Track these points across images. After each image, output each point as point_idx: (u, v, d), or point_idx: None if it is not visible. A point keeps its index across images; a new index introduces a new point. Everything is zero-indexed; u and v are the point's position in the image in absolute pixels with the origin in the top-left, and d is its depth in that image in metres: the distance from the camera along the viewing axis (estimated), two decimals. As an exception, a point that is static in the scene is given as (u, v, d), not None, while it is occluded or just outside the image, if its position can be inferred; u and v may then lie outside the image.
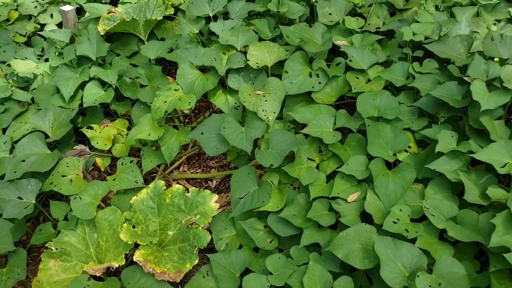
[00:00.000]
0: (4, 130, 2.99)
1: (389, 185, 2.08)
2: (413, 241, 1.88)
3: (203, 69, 2.76)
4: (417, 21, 2.66)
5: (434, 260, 1.79)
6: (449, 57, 2.43)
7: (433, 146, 2.14)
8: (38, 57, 3.44)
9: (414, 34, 2.56)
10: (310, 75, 2.56)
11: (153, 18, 3.20)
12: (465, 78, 2.21)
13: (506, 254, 1.70)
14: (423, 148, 2.27)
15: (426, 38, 2.56)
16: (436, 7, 2.84)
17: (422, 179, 2.17)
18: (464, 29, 2.55)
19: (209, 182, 2.94)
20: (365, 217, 2.12)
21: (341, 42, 2.68)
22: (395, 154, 2.21)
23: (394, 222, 1.95)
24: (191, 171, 3.02)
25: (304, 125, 2.39)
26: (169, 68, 3.57)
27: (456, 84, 2.26)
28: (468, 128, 2.24)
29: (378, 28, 2.82)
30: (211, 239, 2.21)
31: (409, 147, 2.25)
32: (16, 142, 2.85)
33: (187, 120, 3.27)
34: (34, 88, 3.12)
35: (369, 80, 2.54)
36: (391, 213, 1.99)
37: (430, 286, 1.68)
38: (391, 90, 2.53)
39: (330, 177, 2.25)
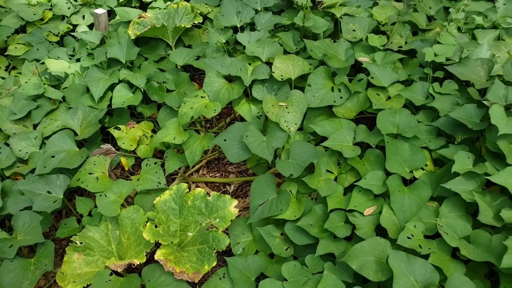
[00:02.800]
0: (35, 126, 3.13)
1: (405, 201, 2.14)
2: (426, 257, 1.93)
3: (229, 78, 2.86)
4: (439, 42, 2.72)
5: (446, 277, 1.84)
6: (469, 79, 2.48)
7: (449, 166, 2.19)
8: (70, 56, 3.58)
9: (435, 55, 2.62)
10: (332, 90, 2.64)
11: (182, 26, 3.31)
12: (484, 101, 2.27)
13: (517, 276, 1.75)
14: (439, 167, 2.32)
15: (447, 59, 2.62)
16: (458, 29, 2.90)
17: (437, 197, 2.22)
18: (485, 52, 2.61)
19: (227, 187, 3.03)
20: (380, 231, 2.18)
21: (363, 58, 2.76)
22: (411, 171, 2.27)
23: (408, 238, 2.01)
24: (210, 174, 3.11)
25: (324, 138, 2.47)
26: (193, 73, 3.68)
27: (475, 106, 2.31)
28: (485, 150, 2.29)
29: (401, 47, 2.89)
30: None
31: (426, 165, 2.31)
32: (46, 138, 2.98)
33: (208, 125, 3.37)
34: (65, 87, 3.26)
35: (389, 98, 2.61)
36: (406, 229, 2.05)
37: (441, 302, 1.73)
38: (410, 108, 2.59)
39: (348, 190, 2.32)
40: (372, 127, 2.50)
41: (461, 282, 1.79)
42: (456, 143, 2.37)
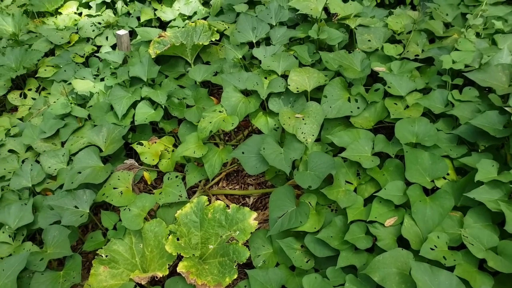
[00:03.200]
0: (63, 143, 3.27)
1: (427, 212, 2.11)
2: (450, 269, 1.88)
3: (246, 92, 2.92)
4: (457, 49, 2.69)
5: (472, 290, 1.79)
6: (490, 85, 2.44)
7: (472, 175, 2.14)
8: (94, 76, 3.73)
9: (454, 62, 2.59)
10: (349, 100, 2.64)
11: (200, 43, 3.41)
12: (506, 108, 2.22)
13: (546, 287, 1.69)
14: (462, 176, 2.27)
15: (466, 66, 2.59)
16: (477, 35, 2.85)
17: (460, 207, 2.17)
18: (506, 57, 2.56)
19: (247, 199, 3.06)
20: (402, 242, 2.14)
21: (379, 68, 2.75)
22: (433, 181, 2.23)
23: (432, 249, 1.97)
24: (230, 187, 3.15)
25: (342, 148, 2.46)
26: (211, 89, 3.76)
27: (497, 113, 2.27)
28: (510, 157, 2.23)
29: (417, 55, 2.87)
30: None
31: (448, 174, 2.26)
32: (73, 155, 3.11)
33: (226, 138, 3.43)
34: (91, 106, 3.40)
35: (407, 107, 2.59)
36: (429, 240, 2.00)
37: (467, 315, 1.68)
38: (429, 117, 2.56)
39: (368, 200, 2.30)
40: (390, 136, 2.48)
41: (488, 294, 1.74)
42: (479, 151, 2.32)
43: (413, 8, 3.48)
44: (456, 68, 2.56)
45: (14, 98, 4.06)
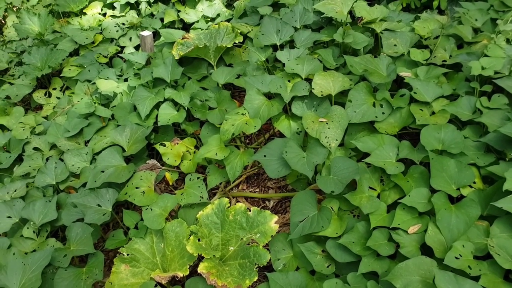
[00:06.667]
0: (86, 142, 3.33)
1: (452, 220, 2.07)
2: (475, 279, 1.85)
3: (269, 95, 2.92)
4: (486, 55, 2.64)
5: (499, 301, 1.75)
6: (520, 93, 2.38)
7: (500, 184, 2.10)
8: (118, 77, 3.79)
9: (483, 68, 2.54)
10: (374, 105, 2.62)
11: (224, 45, 3.43)
12: (537, 116, 2.17)
13: None
14: (489, 184, 2.23)
15: (495, 72, 2.53)
16: (507, 41, 2.79)
17: (487, 216, 2.12)
18: (537, 64, 2.50)
19: (267, 202, 3.06)
20: (425, 250, 2.11)
21: (405, 73, 2.72)
22: (458, 189, 2.20)
23: (456, 258, 1.94)
24: (250, 190, 3.15)
25: (366, 154, 2.44)
26: (233, 91, 3.78)
27: (527, 121, 2.22)
28: (539, 167, 2.18)
29: (445, 61, 2.82)
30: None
31: (474, 182, 2.22)
32: (96, 154, 3.16)
33: (247, 141, 3.44)
34: (114, 106, 3.45)
35: (433, 113, 2.55)
36: (453, 248, 1.97)
37: (494, 327, 1.65)
38: (456, 123, 2.51)
39: (391, 207, 2.28)
40: (415, 143, 2.45)
41: (516, 307, 1.70)
42: (507, 159, 2.27)
43: (440, 12, 3.43)
44: (485, 75, 2.51)
45: (39, 96, 4.16)
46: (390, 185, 2.33)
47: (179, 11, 4.48)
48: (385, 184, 2.36)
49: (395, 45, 2.98)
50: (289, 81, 2.95)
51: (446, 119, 2.47)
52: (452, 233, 2.05)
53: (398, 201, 2.23)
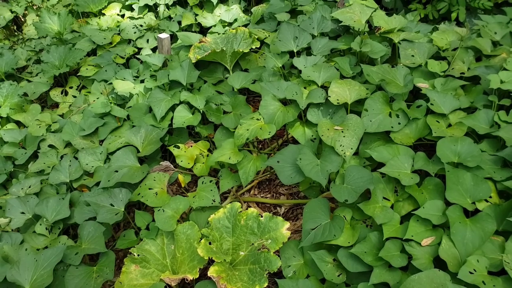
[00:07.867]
0: (101, 142, 3.36)
1: (467, 234, 2.05)
2: (490, 295, 1.83)
3: (284, 101, 2.93)
4: (505, 69, 2.61)
5: (514, 319, 1.73)
6: (540, 108, 2.36)
7: (517, 199, 2.08)
8: (134, 78, 3.83)
9: (502, 82, 2.52)
10: (390, 115, 2.61)
11: (240, 50, 3.45)
12: (557, 132, 2.14)
13: None
14: (505, 199, 2.20)
15: (514, 86, 2.51)
16: (527, 55, 2.77)
17: (502, 232, 2.10)
18: (558, 80, 2.47)
19: (278, 208, 3.05)
20: (438, 263, 2.08)
21: (423, 84, 2.71)
22: (474, 203, 2.17)
23: (470, 273, 1.92)
24: (262, 195, 3.15)
25: (380, 163, 2.43)
26: (248, 96, 3.79)
27: (546, 137, 2.19)
28: (558, 184, 2.15)
29: (463, 73, 2.80)
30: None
31: (490, 197, 2.19)
32: (110, 153, 3.19)
33: (260, 146, 3.44)
34: (130, 106, 3.48)
35: (450, 125, 2.53)
36: (468, 263, 1.95)
37: None
38: (473, 137, 2.49)
39: (404, 218, 2.26)
40: (431, 155, 2.43)
41: (531, 325, 1.67)
42: (524, 175, 2.24)
43: (458, 24, 3.41)
44: (504, 88, 2.49)
45: (55, 95, 4.23)
46: (404, 196, 2.31)
47: (196, 14, 4.53)
48: (399, 195, 2.34)
49: (412, 55, 2.96)
50: (305, 88, 2.96)
51: (463, 131, 2.45)
52: (466, 247, 2.03)
53: (412, 212, 2.21)
